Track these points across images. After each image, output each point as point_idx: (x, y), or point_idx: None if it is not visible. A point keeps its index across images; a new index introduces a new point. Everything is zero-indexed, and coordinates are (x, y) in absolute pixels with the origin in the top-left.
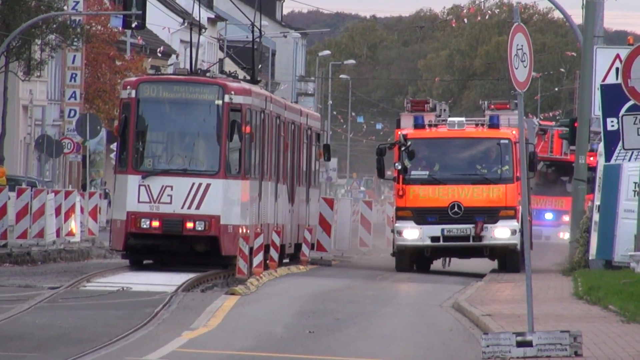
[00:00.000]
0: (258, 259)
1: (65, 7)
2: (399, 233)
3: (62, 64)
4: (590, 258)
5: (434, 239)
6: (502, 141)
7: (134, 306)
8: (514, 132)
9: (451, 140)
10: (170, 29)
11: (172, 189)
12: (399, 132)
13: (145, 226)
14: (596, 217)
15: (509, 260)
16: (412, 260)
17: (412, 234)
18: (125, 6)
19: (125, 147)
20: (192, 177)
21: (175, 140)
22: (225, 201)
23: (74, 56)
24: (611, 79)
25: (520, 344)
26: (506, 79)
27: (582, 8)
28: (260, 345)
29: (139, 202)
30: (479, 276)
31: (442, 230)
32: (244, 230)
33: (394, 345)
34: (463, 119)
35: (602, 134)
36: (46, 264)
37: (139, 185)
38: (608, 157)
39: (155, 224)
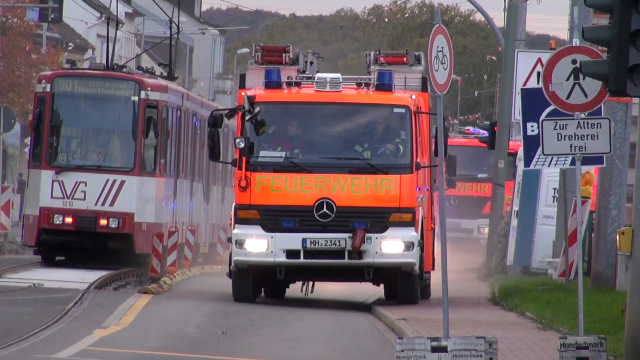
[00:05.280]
0: (172, 257)
1: None
2: (239, 244)
3: None
4: (507, 264)
5: (291, 253)
6: (396, 110)
7: (45, 303)
8: (413, 97)
9: (320, 106)
10: (87, 22)
11: (86, 185)
12: (243, 93)
13: (58, 222)
14: (514, 222)
15: (402, 286)
16: (259, 284)
17: (259, 245)
18: None
19: (39, 141)
20: (106, 173)
21: (90, 136)
22: (140, 198)
23: None
24: (532, 83)
25: (435, 349)
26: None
27: (504, 11)
28: (172, 345)
29: (52, 197)
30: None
31: (304, 241)
32: (158, 229)
33: (307, 348)
34: (338, 75)
35: (522, 139)
36: None
37: (53, 181)
38: (527, 162)
39: (69, 220)
